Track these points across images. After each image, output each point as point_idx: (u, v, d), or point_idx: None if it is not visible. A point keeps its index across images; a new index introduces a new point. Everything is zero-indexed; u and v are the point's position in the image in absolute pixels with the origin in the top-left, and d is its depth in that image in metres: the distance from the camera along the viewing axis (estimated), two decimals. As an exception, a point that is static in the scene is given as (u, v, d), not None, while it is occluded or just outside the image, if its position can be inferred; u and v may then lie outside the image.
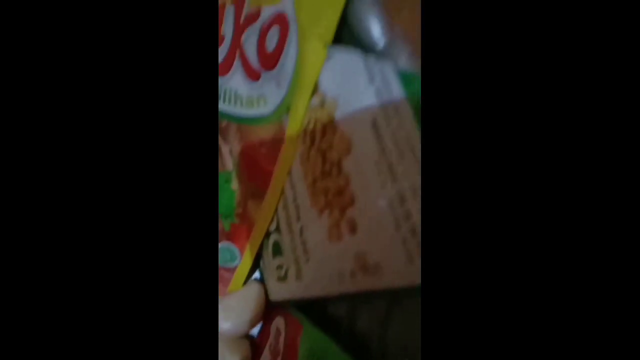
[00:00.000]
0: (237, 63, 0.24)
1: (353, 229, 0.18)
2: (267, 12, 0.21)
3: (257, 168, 0.25)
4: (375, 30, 0.18)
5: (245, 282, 0.28)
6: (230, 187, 0.27)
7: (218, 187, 0.26)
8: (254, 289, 0.28)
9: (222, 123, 0.26)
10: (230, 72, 0.24)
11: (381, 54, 0.17)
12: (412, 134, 0.16)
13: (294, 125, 0.22)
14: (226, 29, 0.24)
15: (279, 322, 0.26)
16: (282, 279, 0.24)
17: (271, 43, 0.21)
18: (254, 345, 0.28)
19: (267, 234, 0.25)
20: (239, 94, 0.24)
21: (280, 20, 0.20)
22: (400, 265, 0.16)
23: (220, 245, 0.28)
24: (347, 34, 0.19)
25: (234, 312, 0.27)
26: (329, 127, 0.19)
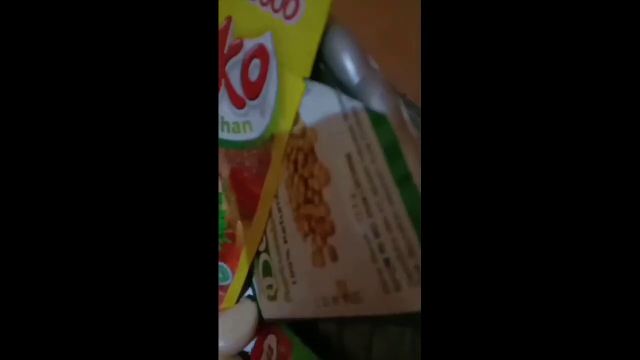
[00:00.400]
0: (223, 91, 0.24)
1: (334, 257, 0.19)
2: (248, 45, 0.22)
3: (245, 190, 0.25)
4: (350, 68, 0.18)
5: (237, 300, 0.29)
6: (220, 209, 0.27)
7: (218, 202, 0.27)
8: (247, 307, 0.28)
9: (211, 148, 0.26)
10: (217, 100, 0.25)
11: (355, 92, 0.18)
12: (383, 171, 0.16)
13: (278, 151, 0.22)
14: (211, 58, 0.24)
15: (271, 340, 0.27)
16: (272, 298, 0.25)
17: (253, 74, 0.22)
18: (248, 363, 0.28)
19: (258, 254, 0.26)
20: (225, 120, 0.25)
21: (261, 53, 0.21)
22: (378, 294, 0.17)
23: (213, 263, 0.28)
24: (324, 69, 0.19)
25: (228, 330, 0.28)
26: (310, 156, 0.20)
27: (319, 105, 0.19)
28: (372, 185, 0.17)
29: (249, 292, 0.29)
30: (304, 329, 0.25)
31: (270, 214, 0.25)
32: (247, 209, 0.26)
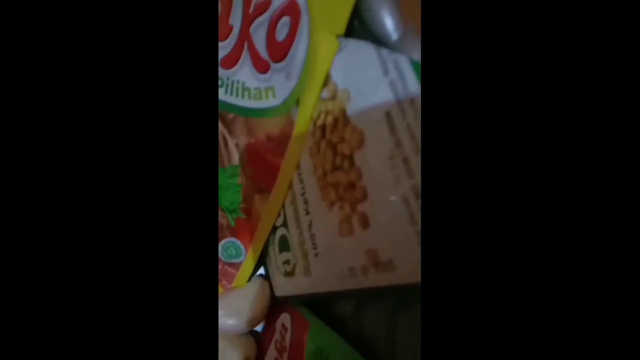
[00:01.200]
0: (245, 55, 0.23)
1: (365, 224, 0.18)
2: (277, 2, 0.21)
3: (264, 162, 0.24)
4: (389, 23, 0.17)
5: (250, 278, 0.28)
6: (236, 182, 0.26)
7: (218, 180, 0.26)
8: (259, 285, 0.27)
9: (229, 116, 0.25)
10: (238, 64, 0.24)
11: (395, 47, 0.17)
12: (429, 126, 0.15)
13: (303, 118, 0.21)
14: (234, 20, 0.23)
15: (285, 318, 0.26)
16: (289, 274, 0.24)
17: (281, 33, 0.21)
18: (259, 342, 0.28)
19: (274, 229, 0.25)
20: (246, 86, 0.24)
21: (292, 10, 0.20)
22: (413, 261, 0.16)
23: (225, 241, 0.27)
24: (359, 26, 0.18)
25: (239, 308, 0.27)
26: (341, 119, 0.19)
27: (354, 63, 0.18)
28: (415, 143, 0.16)
29: (261, 270, 0.28)
30: (320, 308, 0.24)
31: (290, 186, 0.24)
32: (265, 182, 0.25)
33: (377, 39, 0.17)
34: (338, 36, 0.19)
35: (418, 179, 0.16)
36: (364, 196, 0.18)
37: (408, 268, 0.16)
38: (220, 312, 0.27)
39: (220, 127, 0.26)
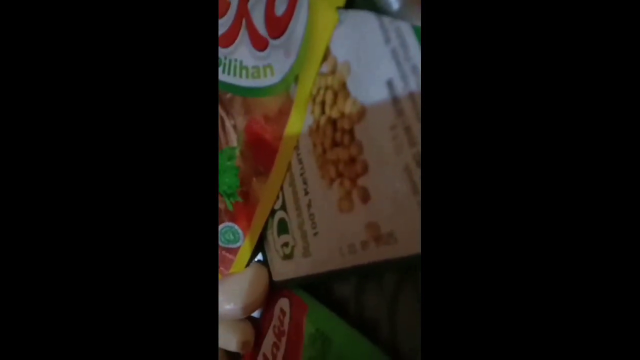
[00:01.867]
0: (242, 33, 0.23)
1: (365, 198, 0.18)
2: (276, -24, 0.20)
3: (262, 144, 0.24)
4: (390, -9, 0.17)
5: (248, 264, 0.27)
6: (234, 164, 0.26)
7: (218, 167, 0.26)
8: (257, 271, 0.27)
9: (226, 95, 0.25)
10: (235, 42, 0.24)
11: (396, 15, 0.17)
12: (431, 91, 0.15)
13: (302, 94, 0.21)
14: (232, -4, 0.23)
15: (283, 302, 0.26)
16: (288, 256, 0.24)
17: (280, 8, 0.20)
18: (257, 327, 0.27)
19: (272, 213, 0.25)
20: (244, 65, 0.23)
21: (291, -17, 0.20)
22: (415, 232, 0.16)
23: (222, 225, 0.27)
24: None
25: (237, 294, 0.26)
26: (340, 93, 0.19)
27: (355, 34, 0.18)
28: (417, 111, 0.15)
29: (259, 256, 0.28)
30: (319, 291, 0.24)
31: (288, 168, 0.23)
32: (263, 164, 0.24)
33: (378, 9, 0.17)
34: (338, 8, 0.18)
35: (419, 147, 0.15)
36: (364, 170, 0.18)
37: (410, 239, 0.16)
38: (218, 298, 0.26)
39: (218, 107, 0.25)
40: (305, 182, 0.22)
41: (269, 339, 0.26)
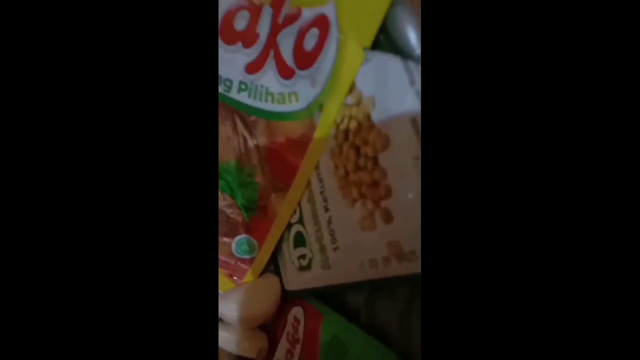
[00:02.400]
0: (270, 61, 0.25)
1: (388, 219, 0.20)
2: (307, 14, 0.22)
3: (283, 162, 0.26)
4: (413, 37, 0.19)
5: (261, 274, 0.29)
6: (254, 180, 0.27)
7: (218, 179, 0.27)
8: (270, 281, 0.28)
9: (251, 118, 0.27)
10: (262, 69, 0.25)
11: (419, 60, 0.19)
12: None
13: (326, 121, 0.23)
14: (261, 28, 0.25)
15: (296, 311, 0.27)
16: (305, 268, 0.25)
17: (309, 43, 0.22)
18: (271, 336, 0.28)
19: (289, 226, 0.27)
20: (270, 91, 0.25)
21: (321, 22, 0.22)
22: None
23: (238, 237, 0.28)
24: (384, 40, 0.20)
25: (250, 302, 0.28)
26: (365, 123, 0.21)
27: (381, 73, 0.20)
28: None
29: (271, 268, 0.29)
30: (332, 299, 0.26)
31: (308, 185, 0.25)
32: (283, 180, 0.26)
33: (402, 52, 0.19)
34: (365, 49, 0.21)
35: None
36: (388, 193, 0.20)
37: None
38: (229, 307, 0.28)
39: (241, 128, 0.27)
40: (325, 200, 0.24)
41: (283, 346, 0.27)
